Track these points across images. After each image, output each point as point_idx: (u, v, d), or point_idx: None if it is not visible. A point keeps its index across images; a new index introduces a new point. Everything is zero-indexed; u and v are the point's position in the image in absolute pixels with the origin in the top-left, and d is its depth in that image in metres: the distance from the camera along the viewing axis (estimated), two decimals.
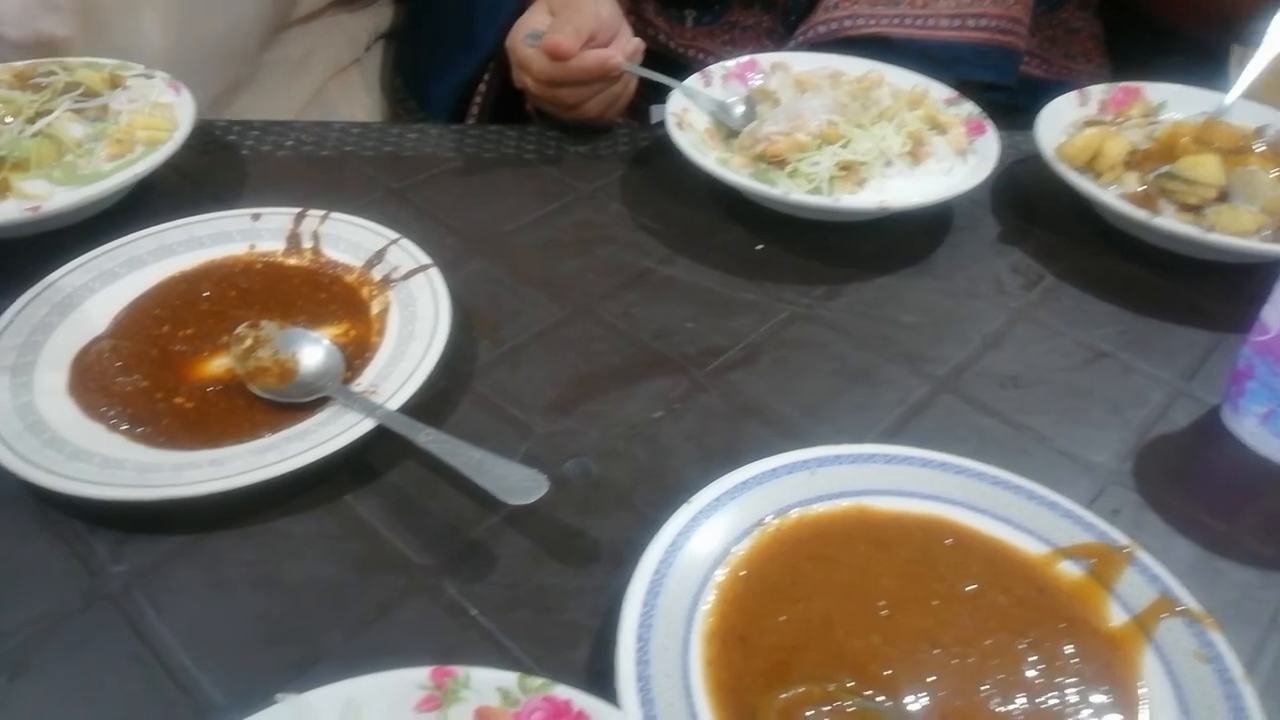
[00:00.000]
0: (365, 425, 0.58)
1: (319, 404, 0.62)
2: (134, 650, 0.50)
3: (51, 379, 0.63)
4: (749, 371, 0.67)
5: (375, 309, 0.70)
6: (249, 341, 0.65)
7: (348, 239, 0.75)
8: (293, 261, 0.74)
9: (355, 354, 0.66)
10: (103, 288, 0.70)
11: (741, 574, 0.51)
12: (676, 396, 0.65)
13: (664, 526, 0.52)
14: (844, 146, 0.75)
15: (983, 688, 0.47)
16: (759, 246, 0.78)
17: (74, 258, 0.71)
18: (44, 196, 0.74)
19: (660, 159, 0.89)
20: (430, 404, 0.62)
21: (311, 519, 0.57)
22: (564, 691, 0.41)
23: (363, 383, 0.63)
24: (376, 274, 0.72)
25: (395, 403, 0.60)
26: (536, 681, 0.41)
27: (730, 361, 0.68)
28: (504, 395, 0.65)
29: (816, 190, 0.74)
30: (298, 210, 0.76)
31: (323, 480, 0.58)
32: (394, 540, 0.55)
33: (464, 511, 0.57)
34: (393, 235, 0.74)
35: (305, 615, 0.51)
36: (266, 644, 0.50)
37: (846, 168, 0.75)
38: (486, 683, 0.41)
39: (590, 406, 0.64)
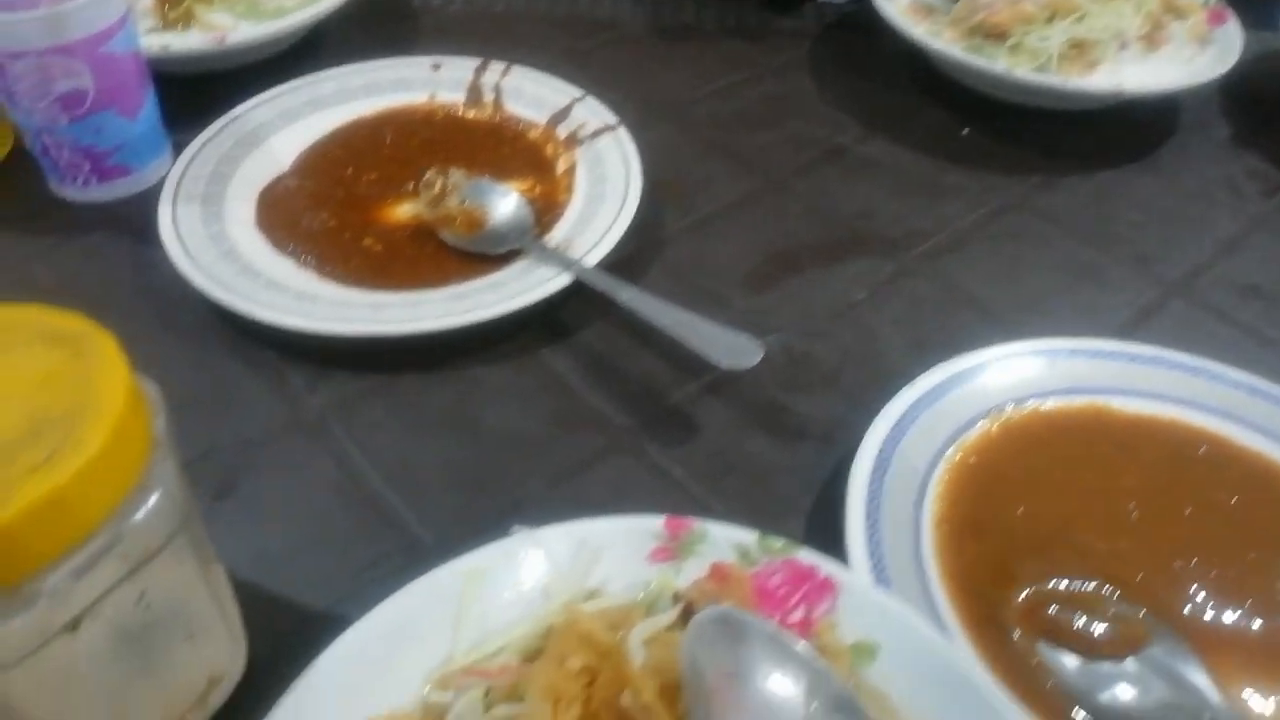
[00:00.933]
0: (562, 280, 0.56)
1: (508, 257, 0.59)
2: (336, 479, 0.49)
3: (240, 211, 0.62)
4: (960, 259, 0.62)
5: (560, 167, 0.66)
6: (437, 188, 0.62)
7: (530, 94, 0.71)
8: (473, 115, 0.71)
9: (543, 210, 0.63)
10: (285, 126, 0.68)
11: (971, 461, 0.47)
12: (882, 279, 0.60)
13: (889, 404, 0.48)
14: (1078, 21, 0.68)
15: (1245, 603, 0.43)
16: (964, 130, 0.72)
17: (253, 95, 0.69)
18: (228, 28, 0.72)
19: (849, 36, 0.83)
20: (619, 268, 0.59)
21: (506, 370, 0.55)
22: (808, 556, 0.38)
23: (553, 239, 0.60)
24: (561, 131, 0.68)
25: (590, 261, 0.57)
26: (778, 543, 0.39)
27: (938, 247, 0.63)
28: (696, 266, 0.62)
29: (1043, 69, 0.68)
30: (479, 62, 0.73)
31: (514, 333, 0.56)
32: (590, 398, 0.53)
33: (661, 375, 0.54)
34: (577, 92, 0.70)
35: (503, 463, 0.50)
36: (465, 487, 0.49)
37: (1078, 46, 0.68)
38: (724, 539, 0.39)
39: (789, 283, 0.60)
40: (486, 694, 0.35)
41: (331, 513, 0.47)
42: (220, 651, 0.38)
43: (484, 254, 0.59)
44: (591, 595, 0.38)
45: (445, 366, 0.54)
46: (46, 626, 0.30)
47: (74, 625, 0.31)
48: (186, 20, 0.71)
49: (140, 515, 0.32)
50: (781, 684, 0.32)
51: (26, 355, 0.33)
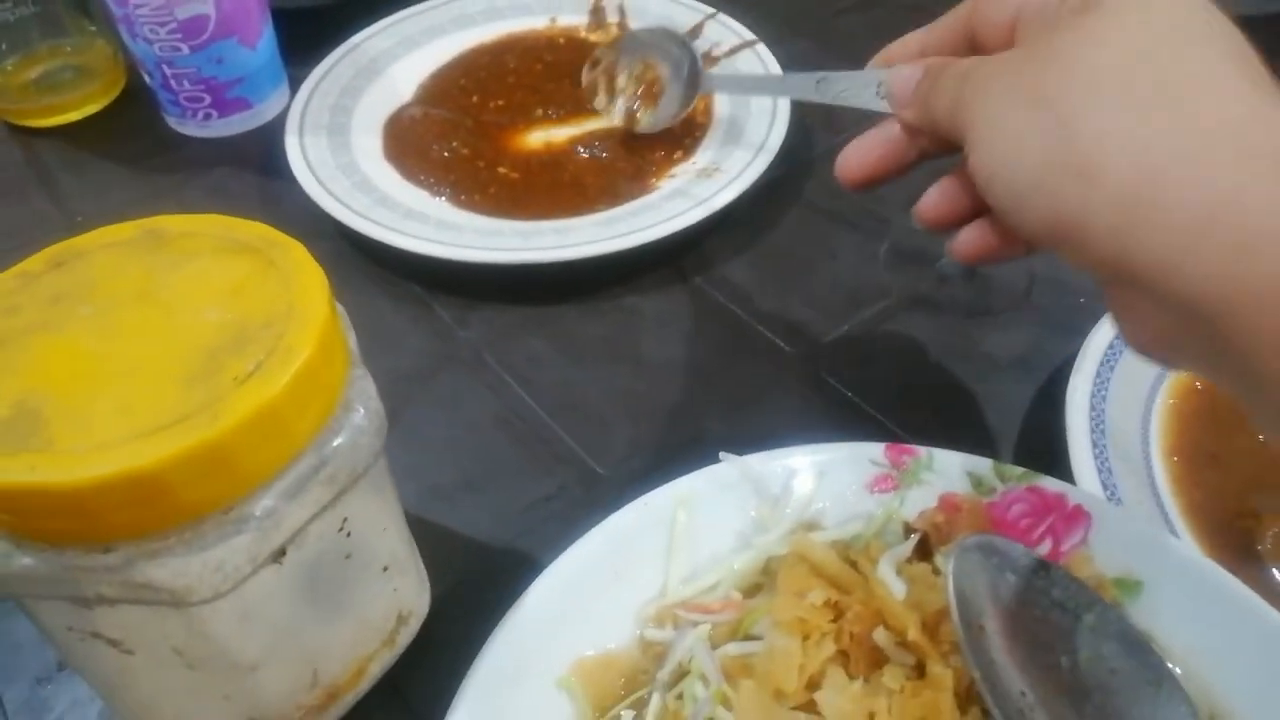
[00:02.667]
0: (716, 201, 0.52)
1: (658, 177, 0.56)
2: (498, 413, 0.46)
3: (366, 142, 0.59)
4: None
5: None
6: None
7: (656, 13, 0.67)
8: (595, 37, 0.67)
9: (682, 133, 0.59)
10: (405, 55, 0.65)
11: (1198, 386, 0.43)
12: None
13: (1094, 329, 0.43)
14: None
15: None
16: None
17: (363, 26, 0.66)
18: None
19: None
20: (771, 190, 0.55)
21: (662, 298, 0.51)
22: (1054, 484, 0.34)
23: (699, 161, 0.57)
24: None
25: (741, 184, 0.53)
26: (1017, 470, 0.35)
27: None
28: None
29: None
30: None
31: (667, 261, 0.52)
32: (756, 326, 0.49)
33: (830, 302, 0.50)
34: (708, 9, 0.66)
35: (672, 394, 0.46)
36: (635, 418, 0.45)
37: None
38: (953, 466, 0.35)
39: None
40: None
41: (498, 447, 0.44)
42: (409, 587, 0.36)
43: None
44: (809, 527, 0.34)
45: (597, 296, 0.51)
46: (256, 554, 0.27)
47: (279, 554, 0.29)
48: None
49: (346, 434, 0.29)
50: (1063, 616, 0.29)
51: (216, 263, 0.30)
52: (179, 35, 0.57)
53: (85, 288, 0.29)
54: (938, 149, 0.33)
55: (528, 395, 0.46)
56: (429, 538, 0.38)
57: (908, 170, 0.35)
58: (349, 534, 0.31)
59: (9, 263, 0.30)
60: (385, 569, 0.34)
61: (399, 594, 0.35)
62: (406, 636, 0.36)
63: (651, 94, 0.56)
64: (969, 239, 0.32)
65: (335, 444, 0.29)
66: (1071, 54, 0.27)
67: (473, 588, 0.38)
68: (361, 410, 0.30)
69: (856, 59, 0.67)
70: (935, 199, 0.33)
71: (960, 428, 0.44)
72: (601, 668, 0.31)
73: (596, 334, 0.49)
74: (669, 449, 0.43)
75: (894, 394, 0.46)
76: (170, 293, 0.29)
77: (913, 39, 0.36)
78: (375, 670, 0.35)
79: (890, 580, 0.29)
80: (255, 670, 0.30)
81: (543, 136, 0.60)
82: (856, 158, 0.36)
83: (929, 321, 0.49)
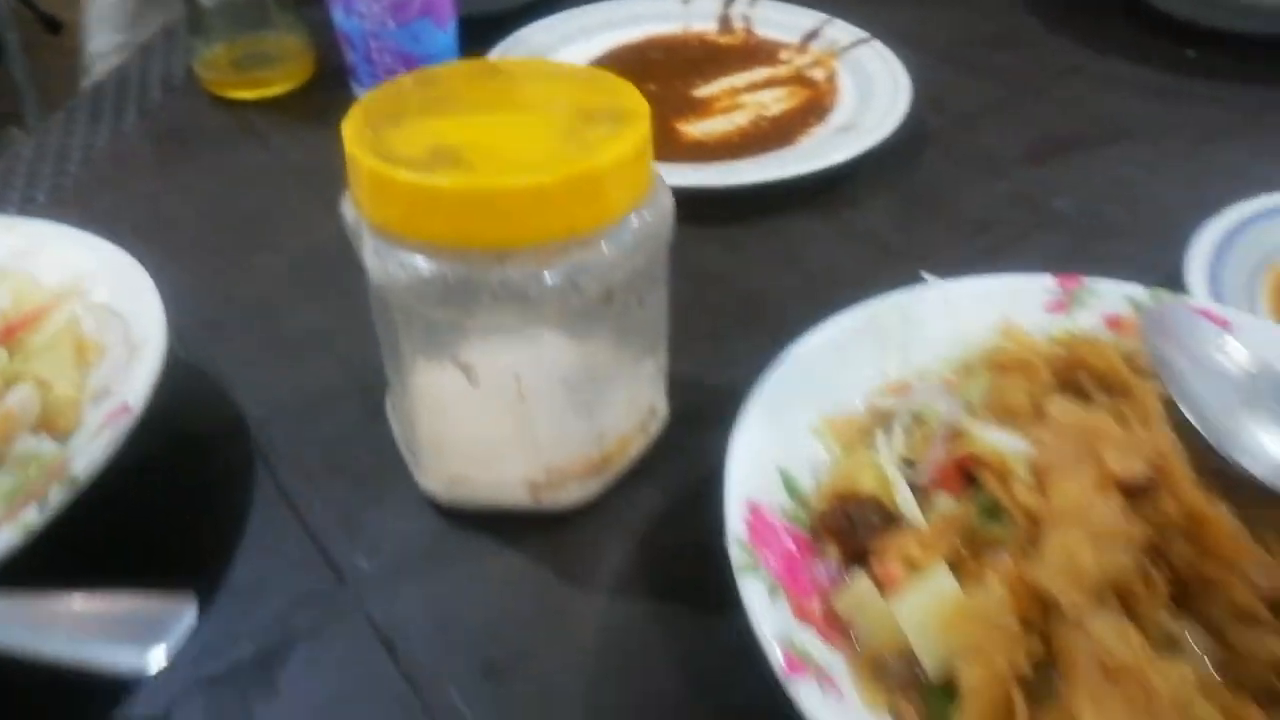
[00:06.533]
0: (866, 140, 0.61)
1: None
2: None
3: None
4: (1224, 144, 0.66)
5: (820, 75, 0.72)
6: None
7: (778, 20, 0.78)
8: (725, 41, 0.78)
9: (811, 114, 0.68)
10: (562, 47, 0.75)
11: None
12: (1155, 157, 0.64)
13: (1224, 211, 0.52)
14: None
15: None
16: (1190, 53, 0.77)
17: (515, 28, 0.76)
18: None
19: None
20: (889, 160, 0.63)
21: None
22: (1199, 303, 0.42)
23: (832, 125, 0.66)
24: (815, 47, 0.74)
25: (886, 127, 0.62)
26: (1168, 295, 0.42)
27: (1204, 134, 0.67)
28: (971, 149, 0.66)
29: None
30: None
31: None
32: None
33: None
34: (824, 16, 0.76)
35: None
36: None
37: None
38: (1114, 292, 0.42)
39: (1064, 159, 0.64)
40: None
41: None
42: (659, 385, 0.42)
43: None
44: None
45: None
46: (610, 271, 0.34)
47: (609, 296, 0.36)
48: None
49: (661, 208, 0.36)
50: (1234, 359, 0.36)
51: (551, 76, 0.38)
52: (388, 11, 0.67)
53: (452, 96, 0.37)
54: None
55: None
56: None
57: None
58: (641, 303, 0.38)
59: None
60: (653, 349, 0.40)
61: (654, 385, 0.42)
62: (654, 429, 0.42)
63: None
64: None
65: (652, 213, 0.36)
66: None
67: (702, 408, 0.45)
68: (664, 199, 0.37)
69: (956, 62, 0.76)
70: None
71: None
72: (843, 422, 0.38)
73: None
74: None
75: None
76: (524, 95, 0.37)
77: None
78: (633, 451, 0.41)
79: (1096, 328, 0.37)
80: (588, 405, 0.37)
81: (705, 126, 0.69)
82: None
83: (1057, 243, 0.57)
